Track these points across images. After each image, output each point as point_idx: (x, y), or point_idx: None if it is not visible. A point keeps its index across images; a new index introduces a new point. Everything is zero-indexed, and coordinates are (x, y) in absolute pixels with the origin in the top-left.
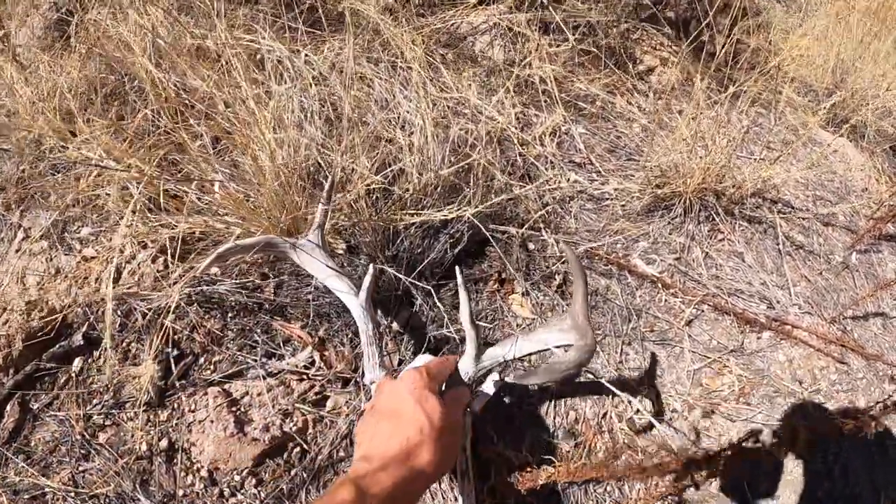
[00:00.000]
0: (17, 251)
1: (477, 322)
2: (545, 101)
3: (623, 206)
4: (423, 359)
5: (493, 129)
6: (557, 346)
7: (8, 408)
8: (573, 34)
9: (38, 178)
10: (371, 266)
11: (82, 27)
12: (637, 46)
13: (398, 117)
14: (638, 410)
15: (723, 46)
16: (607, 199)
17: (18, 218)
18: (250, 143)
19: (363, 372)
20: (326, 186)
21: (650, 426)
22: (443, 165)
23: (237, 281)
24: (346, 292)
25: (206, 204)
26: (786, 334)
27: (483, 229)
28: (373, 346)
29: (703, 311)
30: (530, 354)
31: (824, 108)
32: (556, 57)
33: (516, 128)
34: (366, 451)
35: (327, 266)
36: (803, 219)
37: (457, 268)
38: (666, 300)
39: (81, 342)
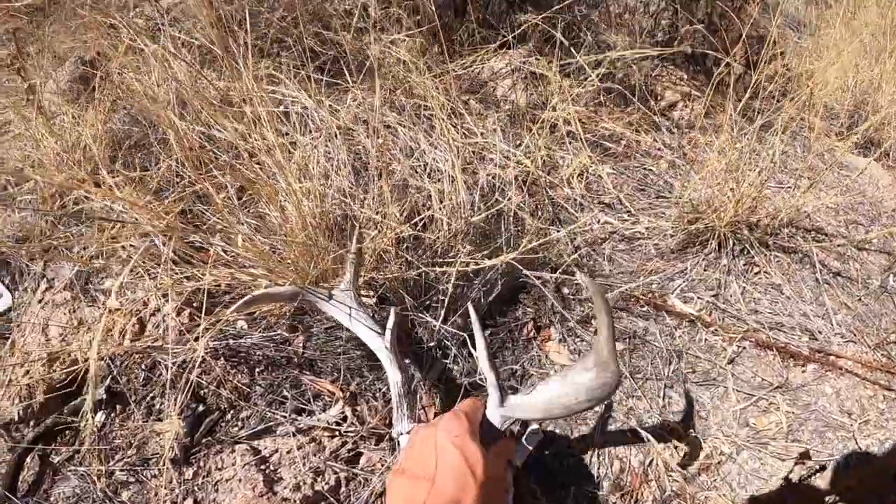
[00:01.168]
0: (39, 301)
1: (496, 364)
2: (571, 143)
3: (656, 245)
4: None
5: (520, 174)
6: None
7: (28, 460)
8: (594, 72)
9: (62, 230)
10: (393, 309)
11: (107, 80)
12: (657, 83)
13: (425, 165)
14: (685, 455)
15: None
16: (639, 238)
17: (42, 269)
18: (276, 194)
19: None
20: (354, 242)
21: (699, 472)
22: (472, 212)
23: (265, 334)
24: (375, 339)
25: (232, 256)
26: (830, 365)
27: (517, 276)
28: (402, 398)
29: (744, 347)
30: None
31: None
32: (579, 97)
33: (543, 171)
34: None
35: (356, 313)
36: (838, 245)
37: (469, 306)
38: (706, 339)
39: (104, 395)
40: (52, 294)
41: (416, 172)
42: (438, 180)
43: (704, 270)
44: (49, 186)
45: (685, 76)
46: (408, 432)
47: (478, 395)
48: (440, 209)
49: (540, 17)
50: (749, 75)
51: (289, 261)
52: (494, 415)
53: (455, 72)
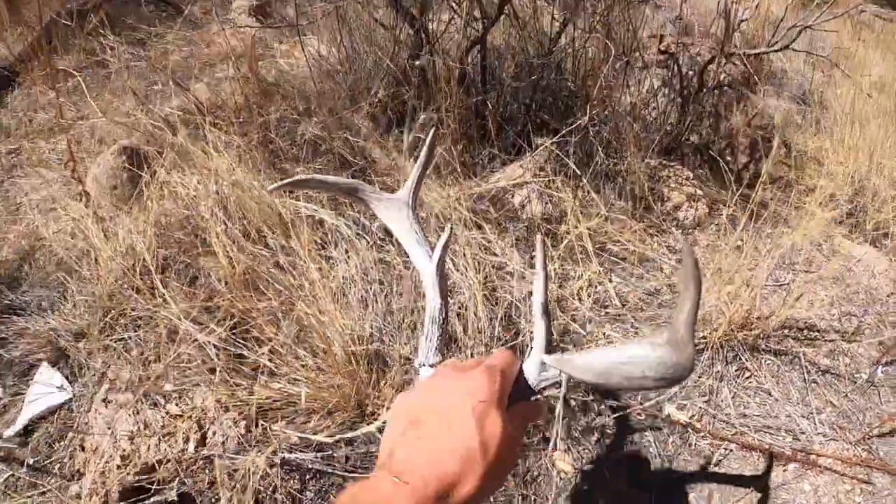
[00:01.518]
0: (104, 400)
1: (550, 314)
2: (581, 254)
3: None
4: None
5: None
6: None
7: None
8: (601, 183)
9: (118, 332)
10: (448, 227)
11: (154, 183)
12: (663, 184)
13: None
14: None
15: (744, 166)
16: None
17: (101, 366)
18: (316, 320)
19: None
20: (426, 147)
21: None
22: (492, 341)
23: (318, 453)
24: (423, 257)
25: (279, 370)
26: (811, 464)
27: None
28: (435, 325)
29: (731, 450)
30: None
31: (848, 219)
32: (588, 209)
33: (554, 283)
34: (396, 465)
35: (410, 227)
36: (829, 340)
37: (538, 236)
38: (696, 444)
39: (175, 499)
40: (114, 394)
41: None
42: (460, 303)
43: (699, 377)
44: (106, 291)
45: (690, 175)
46: (432, 366)
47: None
48: (462, 329)
49: (554, 139)
50: (754, 166)
51: (332, 386)
52: (533, 369)
53: (477, 184)
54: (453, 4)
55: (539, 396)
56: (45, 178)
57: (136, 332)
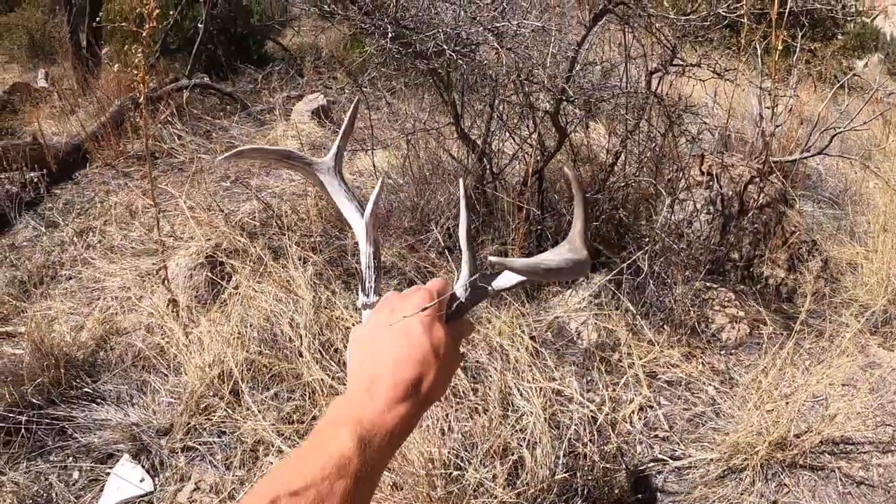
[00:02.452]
0: (189, 500)
1: (475, 246)
2: (633, 380)
3: (702, 475)
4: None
5: (590, 412)
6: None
7: None
8: (651, 311)
9: (204, 435)
10: (381, 180)
11: (234, 291)
12: (707, 307)
13: (511, 405)
14: None
15: (782, 282)
16: (688, 467)
17: (184, 465)
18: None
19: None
20: (349, 116)
21: None
22: (555, 468)
23: None
24: (353, 212)
25: None
26: None
27: None
28: (371, 269)
29: None
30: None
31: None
32: (639, 336)
33: (609, 408)
34: (365, 379)
35: (339, 185)
36: (863, 453)
37: (460, 181)
38: None
39: None
40: (199, 494)
41: (507, 412)
42: (524, 430)
43: (740, 495)
44: (192, 394)
45: (732, 296)
46: (372, 304)
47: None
48: (528, 455)
49: (608, 277)
50: (793, 279)
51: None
52: (461, 290)
53: (536, 312)
54: (516, 138)
55: (469, 316)
56: (119, 266)
57: (220, 437)
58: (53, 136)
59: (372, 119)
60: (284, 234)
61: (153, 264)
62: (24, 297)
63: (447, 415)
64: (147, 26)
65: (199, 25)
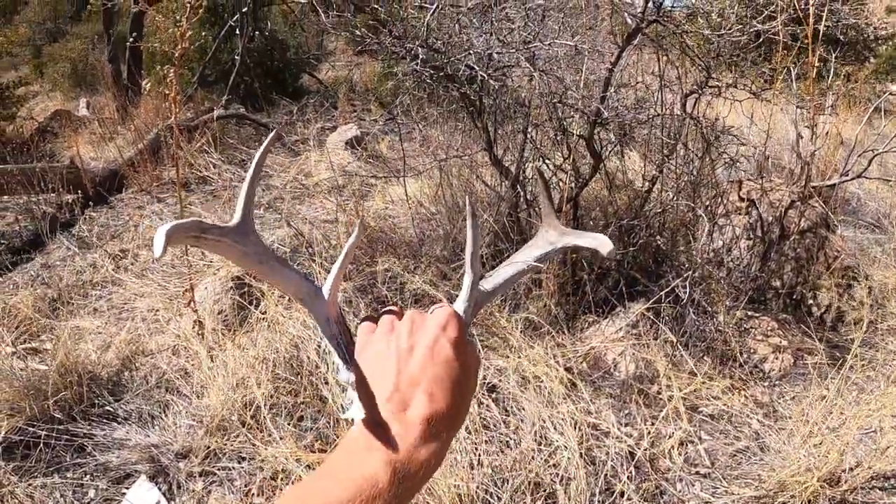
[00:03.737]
0: None
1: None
2: (673, 413)
3: None
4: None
5: (627, 447)
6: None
7: None
8: (692, 342)
9: (224, 460)
10: (357, 228)
11: (261, 316)
12: (750, 337)
13: (545, 438)
14: None
15: (825, 309)
16: None
17: (201, 490)
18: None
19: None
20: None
21: None
22: (592, 499)
23: None
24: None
25: None
26: None
27: None
28: (342, 339)
29: None
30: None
31: None
32: (679, 367)
33: (647, 442)
34: (395, 401)
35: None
36: None
37: (467, 198)
38: None
39: None
40: None
41: (540, 446)
42: (556, 465)
43: None
44: (213, 418)
45: (775, 325)
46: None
47: None
48: (562, 491)
49: (647, 305)
50: (837, 306)
51: None
52: (461, 311)
53: (572, 342)
54: (550, 164)
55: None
56: (149, 289)
57: (240, 463)
58: (91, 161)
59: (405, 147)
60: (314, 261)
61: (181, 287)
62: (53, 315)
63: (476, 447)
64: (179, 47)
65: (236, 58)
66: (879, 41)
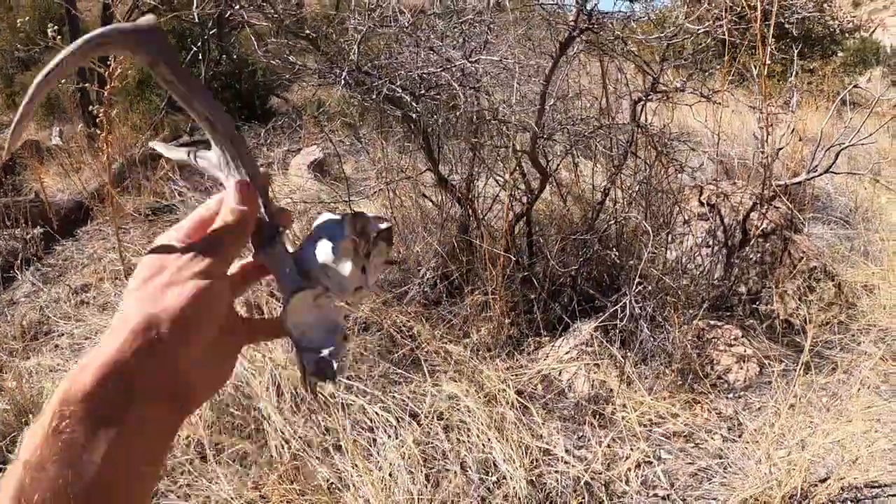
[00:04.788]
0: None
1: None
2: (628, 434)
3: None
4: None
5: (579, 472)
6: None
7: None
8: (648, 357)
9: (172, 497)
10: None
11: None
12: (712, 347)
13: (493, 464)
14: None
15: (792, 312)
16: None
17: None
18: None
19: None
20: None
21: None
22: None
23: None
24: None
25: None
26: None
27: None
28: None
29: None
30: None
31: None
32: (635, 386)
33: (602, 465)
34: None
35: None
36: (892, 496)
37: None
38: None
39: None
40: None
41: (487, 474)
42: (506, 495)
43: None
44: None
45: (739, 333)
46: None
47: None
48: None
49: (598, 323)
50: (804, 309)
51: None
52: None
53: (523, 363)
54: (498, 178)
55: None
56: (107, 324)
57: (186, 500)
58: (57, 192)
59: (355, 170)
60: (262, 289)
61: None
62: (12, 354)
63: (415, 478)
64: (108, 86)
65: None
66: (846, 34)
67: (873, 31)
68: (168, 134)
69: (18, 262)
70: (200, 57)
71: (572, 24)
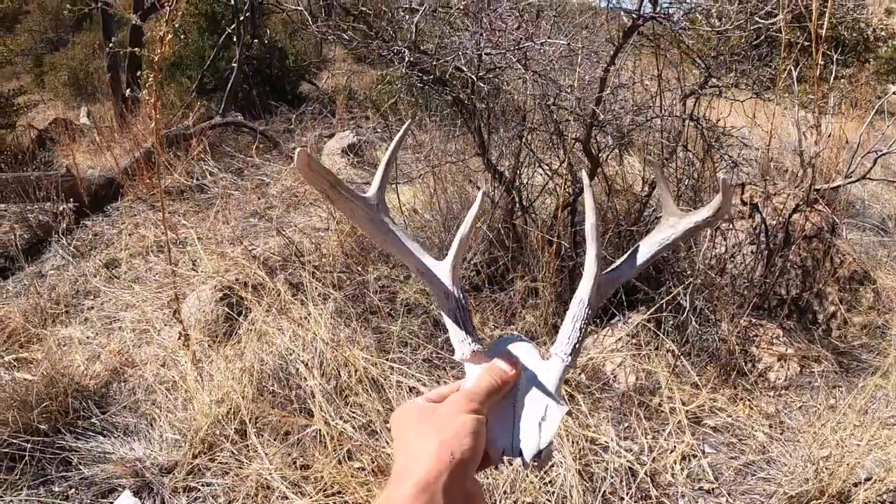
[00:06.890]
0: None
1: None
2: (675, 427)
3: None
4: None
5: (627, 462)
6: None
7: None
8: (694, 351)
9: (208, 475)
10: (477, 202)
11: (250, 327)
12: (754, 345)
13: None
14: None
15: (832, 315)
16: None
17: (187, 502)
18: None
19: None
20: (394, 144)
21: None
22: None
23: None
24: (420, 253)
25: None
26: None
27: None
28: (464, 312)
29: None
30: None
31: None
32: (682, 378)
33: (647, 457)
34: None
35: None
36: None
37: (583, 172)
38: None
39: None
40: None
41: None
42: (555, 482)
43: None
44: (196, 432)
45: (780, 332)
46: (474, 353)
47: None
48: None
49: (647, 314)
50: (843, 312)
51: None
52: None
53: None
54: (545, 168)
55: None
56: (139, 298)
57: (223, 478)
58: (88, 169)
59: (399, 154)
60: (305, 269)
61: (168, 298)
62: (43, 325)
63: None
64: (159, 51)
65: (234, 66)
66: (879, 42)
67: None
68: (202, 113)
69: (49, 235)
70: (234, 40)
71: (636, 12)
